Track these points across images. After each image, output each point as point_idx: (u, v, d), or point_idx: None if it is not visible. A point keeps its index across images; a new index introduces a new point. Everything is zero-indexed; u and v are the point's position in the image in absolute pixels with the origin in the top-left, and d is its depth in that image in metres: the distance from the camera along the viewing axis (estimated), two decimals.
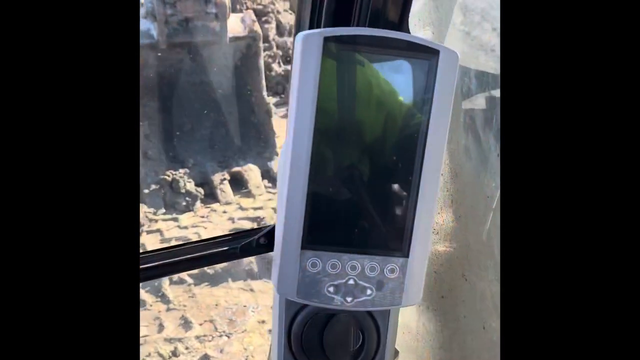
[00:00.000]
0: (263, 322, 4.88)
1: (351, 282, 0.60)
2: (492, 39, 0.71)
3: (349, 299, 0.60)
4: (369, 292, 0.60)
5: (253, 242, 0.99)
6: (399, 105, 0.57)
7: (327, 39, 0.54)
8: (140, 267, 0.95)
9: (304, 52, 0.55)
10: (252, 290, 5.25)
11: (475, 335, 0.74)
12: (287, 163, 0.57)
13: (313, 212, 0.58)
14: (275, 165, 7.45)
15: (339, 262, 0.59)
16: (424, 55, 0.55)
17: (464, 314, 0.77)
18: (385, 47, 0.56)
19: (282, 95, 9.44)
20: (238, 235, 1.04)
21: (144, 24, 6.73)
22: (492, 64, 0.71)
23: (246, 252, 1.01)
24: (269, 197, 6.94)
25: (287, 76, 9.60)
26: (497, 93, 0.68)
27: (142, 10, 6.90)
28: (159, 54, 6.71)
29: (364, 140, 0.58)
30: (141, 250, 0.98)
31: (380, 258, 0.59)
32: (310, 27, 0.81)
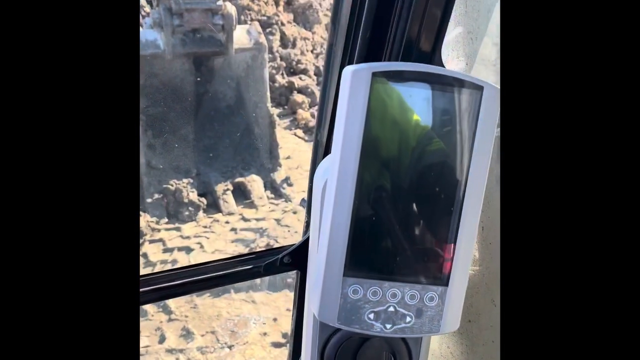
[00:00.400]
0: (265, 334, 4.87)
1: (391, 309, 0.61)
2: None
3: (388, 326, 0.61)
4: (408, 319, 0.61)
5: (277, 260, 1.00)
6: (442, 138, 0.59)
7: (375, 74, 0.56)
8: (165, 284, 0.97)
9: (353, 86, 0.56)
10: (254, 302, 5.25)
11: None
12: (332, 188, 0.59)
13: (356, 239, 0.59)
14: (278, 176, 7.46)
15: (380, 290, 0.61)
16: (469, 90, 0.57)
17: (492, 339, 0.78)
18: (431, 82, 0.57)
19: (286, 107, 9.48)
20: (262, 253, 1.05)
21: (151, 35, 6.78)
22: None
23: (270, 270, 1.03)
24: (271, 209, 6.94)
25: (290, 88, 9.65)
26: None
27: (149, 21, 6.95)
28: (165, 64, 6.75)
29: (408, 171, 0.60)
30: (166, 268, 0.99)
31: (420, 286, 0.61)
32: (344, 56, 0.83)
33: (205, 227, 6.50)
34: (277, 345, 4.74)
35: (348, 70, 0.57)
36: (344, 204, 0.58)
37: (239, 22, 7.90)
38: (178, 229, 6.41)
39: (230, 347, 4.73)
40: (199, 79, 7.13)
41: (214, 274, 1.02)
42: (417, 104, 0.58)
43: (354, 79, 0.56)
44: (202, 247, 6.09)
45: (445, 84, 0.57)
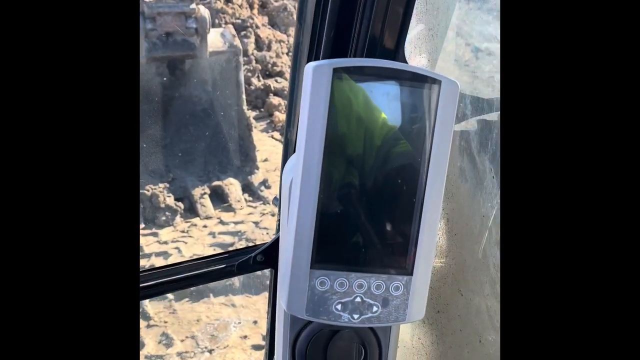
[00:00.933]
0: (245, 337, 4.85)
1: (358, 299, 0.62)
2: (477, 63, 0.75)
3: (355, 316, 0.63)
4: (374, 309, 0.63)
5: (250, 259, 1.01)
6: (402, 131, 0.61)
7: (336, 70, 0.57)
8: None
9: (314, 81, 0.58)
10: (233, 305, 5.22)
11: (472, 348, 0.77)
12: (297, 185, 0.60)
13: (322, 232, 0.61)
14: (255, 179, 7.44)
15: (347, 281, 0.62)
16: (428, 85, 0.59)
17: (460, 328, 0.80)
18: (391, 78, 0.59)
19: (262, 110, 9.46)
20: (235, 252, 1.06)
21: None
22: (476, 88, 0.75)
23: (243, 269, 1.03)
24: (249, 211, 6.91)
25: (266, 90, 9.63)
26: (490, 117, 0.72)
27: None
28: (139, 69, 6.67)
29: (371, 165, 0.61)
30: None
31: (385, 276, 0.62)
32: (310, 54, 0.84)
33: (182, 231, 6.45)
34: (257, 347, 4.72)
35: (309, 66, 0.58)
36: (309, 198, 0.60)
37: (213, 26, 7.86)
38: (155, 235, 6.34)
39: (210, 351, 4.70)
40: (173, 82, 7.07)
41: (187, 274, 1.02)
42: (378, 99, 0.60)
43: (316, 74, 0.57)
44: (180, 251, 6.04)
45: (404, 79, 0.59)
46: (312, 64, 0.58)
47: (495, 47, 0.71)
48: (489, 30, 0.74)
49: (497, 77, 0.70)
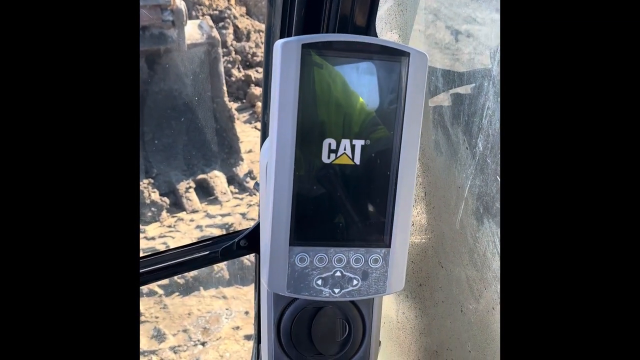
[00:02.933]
0: (237, 328, 4.86)
1: (338, 274, 0.63)
2: (446, 37, 0.76)
3: (336, 290, 0.64)
4: (355, 282, 0.64)
5: (234, 245, 1.01)
6: (373, 104, 0.61)
7: (305, 46, 0.58)
8: None
9: (284, 59, 0.58)
10: (224, 297, 5.23)
11: (454, 318, 0.79)
12: (271, 164, 0.60)
13: (299, 209, 0.61)
14: (240, 170, 7.41)
15: (326, 256, 0.62)
16: (396, 57, 0.59)
17: (442, 299, 0.81)
18: (360, 51, 0.59)
19: (244, 101, 9.40)
20: (218, 239, 1.06)
21: None
22: (447, 62, 0.75)
23: (227, 255, 1.03)
24: (236, 203, 6.90)
25: (247, 81, 9.57)
26: (461, 89, 0.72)
27: None
28: None
29: (344, 140, 0.61)
30: None
31: (364, 250, 0.63)
32: (282, 34, 0.84)
33: (169, 226, 6.42)
34: (250, 338, 4.74)
35: (278, 43, 0.58)
36: (284, 177, 0.60)
37: (190, 18, 7.78)
38: (142, 231, 6.30)
39: (203, 343, 4.71)
40: (152, 76, 7.00)
41: (171, 262, 1.02)
42: (347, 73, 0.60)
43: (284, 51, 0.57)
44: (167, 247, 6.01)
45: (372, 52, 0.59)
46: (281, 40, 0.58)
47: (476, 29, 0.71)
48: (467, 12, 0.74)
49: (476, 57, 0.70)
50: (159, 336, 4.76)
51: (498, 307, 0.68)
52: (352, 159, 0.61)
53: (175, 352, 4.60)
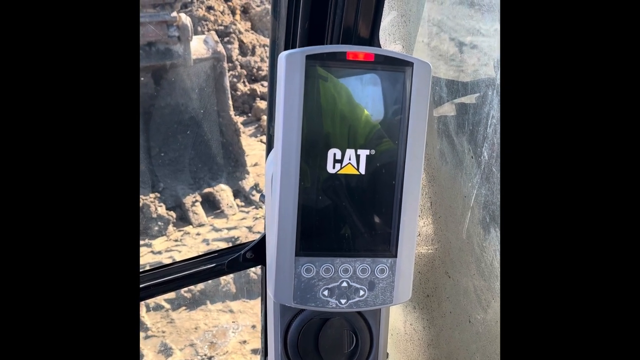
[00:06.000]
0: (244, 342, 4.83)
1: (344, 284, 0.63)
2: (450, 48, 0.76)
3: (343, 301, 0.63)
4: (361, 292, 0.63)
5: (240, 257, 1.01)
6: (378, 116, 0.61)
7: (309, 57, 0.58)
8: None
9: (288, 70, 0.58)
10: (231, 311, 5.20)
11: (462, 329, 0.78)
12: (276, 175, 0.60)
13: (305, 220, 0.61)
14: (246, 184, 7.42)
15: (332, 266, 0.62)
16: (400, 67, 0.60)
17: (450, 310, 0.81)
18: (364, 62, 0.60)
19: (250, 114, 9.45)
20: (224, 251, 1.06)
21: None
22: (451, 72, 0.76)
23: (233, 267, 1.03)
24: (242, 217, 6.90)
25: (253, 95, 9.62)
26: (466, 99, 0.73)
27: None
28: None
29: (349, 150, 0.61)
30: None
31: (370, 260, 0.63)
32: (286, 47, 0.84)
33: (176, 240, 6.42)
34: (257, 352, 4.71)
35: (282, 55, 0.59)
36: (290, 188, 0.60)
37: (196, 33, 7.85)
38: (148, 245, 6.30)
39: (210, 358, 4.68)
40: (159, 92, 7.05)
41: (178, 275, 1.02)
42: (352, 83, 0.60)
43: (289, 62, 0.58)
44: (174, 261, 6.00)
45: (376, 63, 0.60)
46: (285, 52, 0.59)
47: (480, 40, 0.72)
48: (471, 24, 0.75)
49: (480, 67, 0.70)
50: (166, 351, 4.74)
51: None
52: (357, 169, 0.61)
53: None
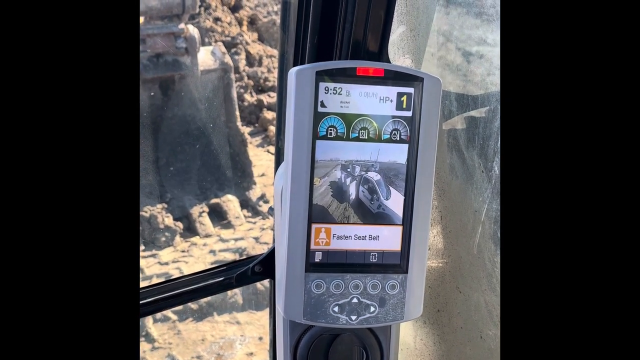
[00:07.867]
0: (251, 354, 4.81)
1: (355, 300, 0.62)
2: (457, 58, 0.76)
3: (353, 317, 0.63)
4: (372, 309, 0.63)
5: (248, 270, 1.01)
6: (388, 130, 0.61)
7: (319, 73, 0.58)
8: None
9: (298, 86, 0.58)
10: (238, 322, 5.19)
11: (474, 345, 0.77)
12: (286, 190, 0.60)
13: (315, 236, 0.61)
14: (253, 194, 7.43)
15: (342, 282, 0.62)
16: (410, 82, 0.60)
17: (461, 325, 0.80)
18: (373, 77, 0.59)
19: (256, 125, 9.48)
20: (232, 264, 1.06)
21: None
22: (460, 84, 0.75)
23: (242, 281, 1.03)
24: (249, 227, 6.90)
25: (260, 106, 9.66)
26: (476, 113, 0.72)
27: None
28: None
29: (359, 166, 0.61)
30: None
31: (381, 276, 0.62)
32: (295, 62, 0.85)
33: (183, 251, 6.42)
34: None
35: (292, 71, 0.59)
36: (300, 204, 0.60)
37: (203, 44, 7.91)
38: (155, 256, 6.31)
39: None
40: (166, 103, 7.10)
41: (187, 289, 1.02)
42: (361, 99, 0.60)
43: (299, 78, 0.58)
44: (181, 272, 6.01)
45: (386, 78, 0.60)
46: (295, 68, 0.59)
47: (486, 50, 0.71)
48: (478, 34, 0.75)
49: (490, 79, 0.70)
50: None
51: None
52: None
53: None
